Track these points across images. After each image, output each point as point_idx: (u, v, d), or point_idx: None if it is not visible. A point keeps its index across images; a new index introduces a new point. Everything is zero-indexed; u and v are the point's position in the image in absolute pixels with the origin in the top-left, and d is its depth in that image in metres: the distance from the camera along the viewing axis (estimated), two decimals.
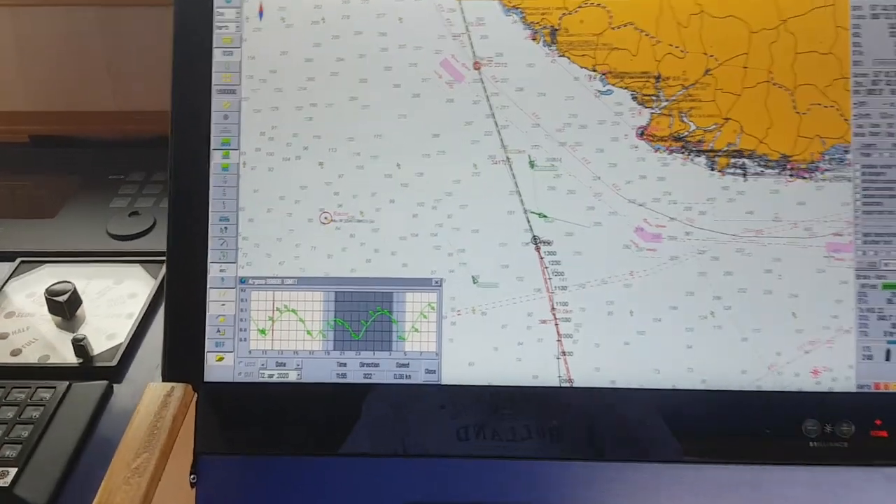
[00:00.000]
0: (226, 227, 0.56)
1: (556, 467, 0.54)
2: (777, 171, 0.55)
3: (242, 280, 0.56)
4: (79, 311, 0.64)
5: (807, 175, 0.55)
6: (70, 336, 0.60)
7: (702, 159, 0.55)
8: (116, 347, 0.61)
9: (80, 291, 0.66)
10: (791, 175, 0.55)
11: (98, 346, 0.61)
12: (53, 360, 0.60)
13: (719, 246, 0.55)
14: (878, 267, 0.54)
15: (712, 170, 0.55)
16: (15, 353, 0.60)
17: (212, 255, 0.56)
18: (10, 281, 0.68)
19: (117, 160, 0.84)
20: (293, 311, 0.56)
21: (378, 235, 0.56)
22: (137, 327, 0.63)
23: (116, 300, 0.66)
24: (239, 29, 0.57)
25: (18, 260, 0.70)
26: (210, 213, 0.56)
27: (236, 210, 0.56)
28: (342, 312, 0.56)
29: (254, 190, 0.56)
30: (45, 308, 0.63)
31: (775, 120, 0.55)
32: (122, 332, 0.62)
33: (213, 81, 0.57)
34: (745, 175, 0.55)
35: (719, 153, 0.55)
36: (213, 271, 0.56)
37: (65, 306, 0.62)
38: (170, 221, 0.56)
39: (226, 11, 0.57)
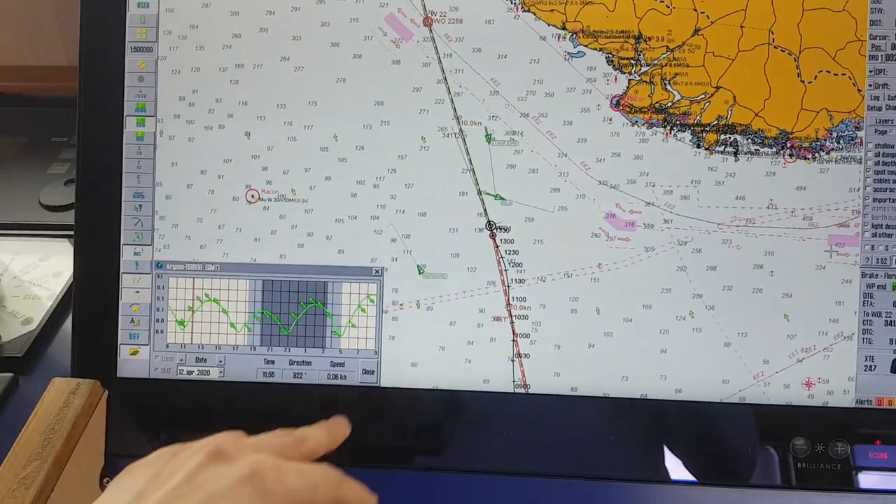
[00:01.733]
0: (140, 205, 0.51)
1: (505, 483, 0.49)
2: (774, 150, 0.48)
3: (159, 265, 0.51)
4: None
5: (809, 155, 0.48)
6: None
7: (686, 135, 0.49)
8: (28, 335, 0.56)
9: (2, 268, 0.61)
10: (791, 155, 0.48)
11: (11, 332, 0.56)
12: None
13: (703, 236, 0.48)
14: (887, 264, 0.48)
15: (698, 147, 0.48)
16: None
17: (125, 237, 0.51)
18: None
19: (65, 120, 0.79)
20: (215, 300, 0.50)
21: (311, 217, 0.50)
22: (54, 312, 0.58)
23: (39, 279, 0.61)
24: None
25: None
26: (123, 189, 0.51)
27: (152, 185, 0.51)
28: (270, 303, 0.50)
29: (172, 163, 0.51)
30: None
31: (775, 89, 0.48)
32: (38, 317, 0.57)
33: (127, 38, 0.51)
34: (736, 154, 0.48)
35: (707, 128, 0.48)
36: (127, 254, 0.51)
37: None
38: (77, 197, 0.51)
39: None
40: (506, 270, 0.49)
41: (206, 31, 0.51)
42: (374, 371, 0.50)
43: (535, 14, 0.49)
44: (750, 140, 0.48)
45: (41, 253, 0.63)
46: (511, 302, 0.49)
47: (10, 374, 0.53)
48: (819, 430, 0.47)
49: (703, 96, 0.49)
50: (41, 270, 0.62)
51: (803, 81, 0.48)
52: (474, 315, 0.49)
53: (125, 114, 0.51)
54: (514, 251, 0.49)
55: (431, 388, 0.49)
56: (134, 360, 0.51)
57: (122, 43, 0.51)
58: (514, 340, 0.49)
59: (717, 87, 0.48)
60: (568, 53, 0.49)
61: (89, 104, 0.51)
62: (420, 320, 0.50)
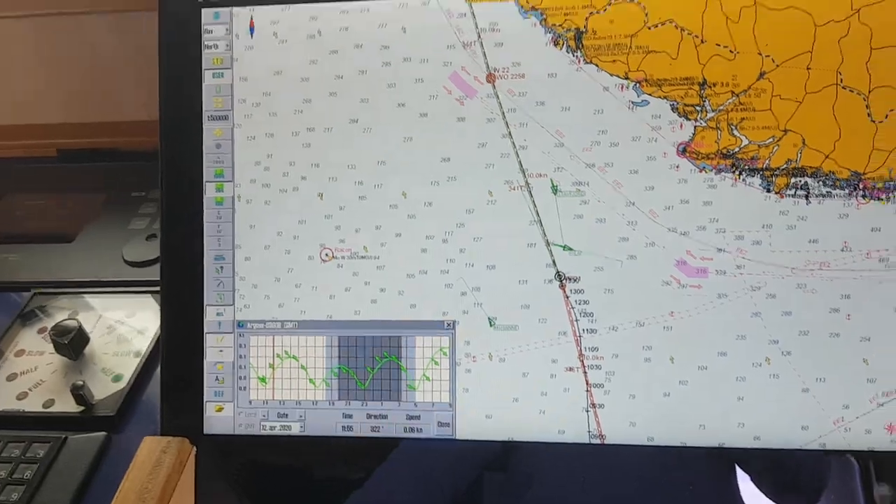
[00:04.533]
0: (222, 267, 0.55)
1: None
2: (847, 191, 0.49)
3: (240, 324, 0.55)
4: (87, 350, 0.64)
5: (883, 196, 0.49)
6: (75, 378, 0.61)
7: (756, 179, 0.50)
8: (119, 393, 0.60)
9: (91, 325, 0.66)
10: (864, 196, 0.49)
11: (102, 390, 0.61)
12: (57, 406, 0.60)
13: (776, 281, 0.49)
14: None
15: (768, 192, 0.50)
16: (21, 396, 0.61)
17: (208, 298, 0.55)
18: (23, 315, 0.68)
19: (143, 175, 0.84)
20: (294, 357, 0.54)
21: (384, 273, 0.53)
22: (142, 370, 0.62)
23: (126, 336, 0.66)
24: (229, 48, 0.55)
25: (32, 292, 0.71)
26: (205, 252, 0.55)
27: (232, 248, 0.55)
28: (347, 359, 0.53)
29: (250, 225, 0.55)
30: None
31: (845, 130, 0.49)
32: (127, 374, 0.62)
33: (204, 107, 0.55)
34: (807, 197, 0.49)
35: (777, 172, 0.50)
36: (210, 315, 0.55)
37: (69, 347, 0.62)
38: (162, 261, 0.55)
39: (214, 29, 0.55)
40: (577, 320, 0.51)
41: (278, 97, 0.54)
42: (449, 423, 0.52)
43: (597, 66, 0.51)
44: (821, 182, 0.49)
45: (127, 309, 0.68)
46: (583, 352, 0.51)
47: (104, 434, 0.58)
48: None
49: (771, 140, 0.50)
50: (128, 326, 0.66)
51: (874, 121, 0.49)
52: (547, 366, 0.51)
53: (205, 180, 0.55)
54: (584, 301, 0.51)
55: (507, 439, 0.52)
56: (219, 417, 0.55)
57: (199, 112, 0.55)
58: (587, 391, 0.51)
59: (786, 131, 0.50)
60: (632, 102, 0.51)
61: (171, 173, 0.55)
62: (493, 372, 0.52)
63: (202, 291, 0.55)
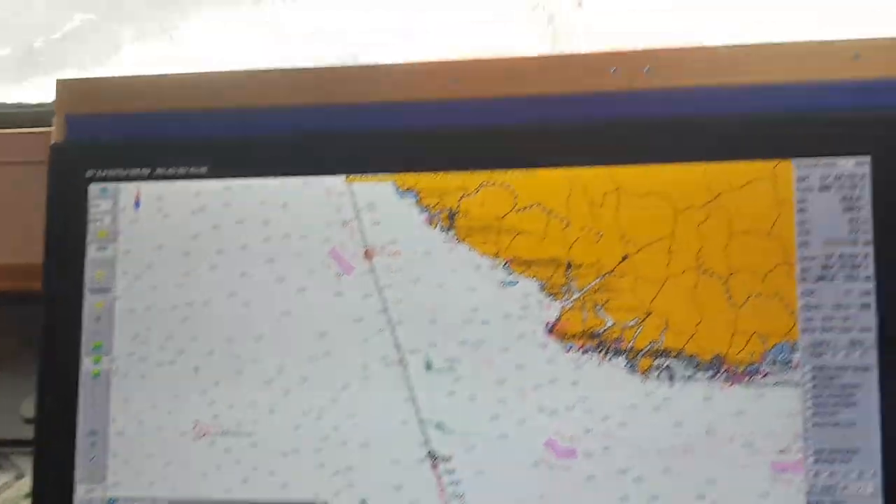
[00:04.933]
0: (94, 442, 0.54)
1: None
2: (710, 374, 0.50)
3: (111, 501, 0.54)
4: None
5: (745, 379, 0.49)
6: None
7: (621, 360, 0.51)
8: None
9: None
10: (727, 379, 0.50)
11: None
12: None
13: (643, 464, 0.50)
14: (834, 491, 0.48)
15: (633, 372, 0.50)
16: None
17: (79, 473, 0.54)
18: None
19: None
20: None
21: (256, 451, 0.53)
22: None
23: (11, 501, 0.64)
24: (114, 221, 0.56)
25: None
26: (78, 426, 0.54)
27: (106, 423, 0.54)
28: None
29: (125, 399, 0.54)
30: None
31: (707, 313, 0.50)
32: None
33: (86, 280, 0.56)
34: (671, 379, 0.50)
35: (641, 353, 0.50)
36: (80, 492, 0.54)
37: None
38: (35, 435, 0.55)
39: (102, 203, 0.56)
40: (449, 503, 0.51)
41: (159, 270, 0.55)
42: None
43: (469, 245, 0.53)
44: (684, 364, 0.50)
45: (17, 470, 0.67)
46: None
47: None
48: None
49: (635, 321, 0.51)
50: (14, 491, 0.65)
51: (734, 305, 0.50)
52: None
53: (82, 353, 0.55)
54: (456, 482, 0.51)
55: None
56: None
57: (81, 285, 0.56)
58: None
59: (649, 313, 0.51)
60: (502, 282, 0.52)
61: (49, 344, 0.56)
62: None
63: (73, 467, 0.54)
